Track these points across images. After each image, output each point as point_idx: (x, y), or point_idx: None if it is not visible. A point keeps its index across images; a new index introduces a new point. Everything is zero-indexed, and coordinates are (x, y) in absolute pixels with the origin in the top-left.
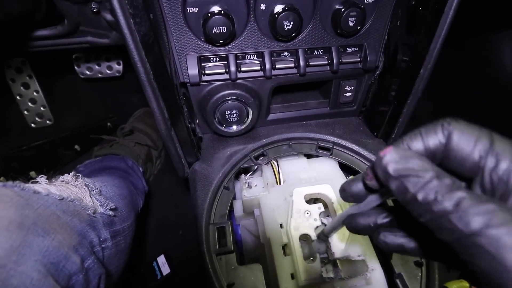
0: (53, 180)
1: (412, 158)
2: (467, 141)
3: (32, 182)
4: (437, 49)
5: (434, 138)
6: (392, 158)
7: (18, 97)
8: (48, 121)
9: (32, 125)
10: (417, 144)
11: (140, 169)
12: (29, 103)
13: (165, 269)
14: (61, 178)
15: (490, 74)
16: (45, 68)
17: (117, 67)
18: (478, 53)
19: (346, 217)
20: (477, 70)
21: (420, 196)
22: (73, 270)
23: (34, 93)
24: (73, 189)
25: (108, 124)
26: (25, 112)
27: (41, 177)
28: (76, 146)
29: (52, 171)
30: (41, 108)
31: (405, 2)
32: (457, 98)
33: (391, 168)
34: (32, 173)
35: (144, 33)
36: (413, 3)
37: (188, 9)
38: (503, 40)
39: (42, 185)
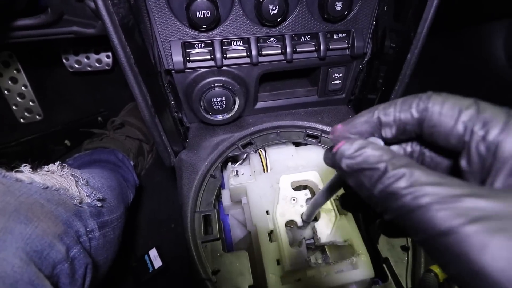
0: (38, 170)
1: (366, 148)
2: (450, 113)
3: (15, 172)
4: (423, 33)
5: (406, 112)
6: (344, 152)
7: (6, 91)
8: (37, 116)
9: (22, 120)
10: (388, 116)
11: (131, 162)
12: (18, 98)
13: (157, 262)
14: (46, 168)
15: (483, 66)
16: (33, 61)
17: (107, 60)
18: (470, 44)
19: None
20: (469, 62)
21: (376, 192)
22: (58, 258)
23: (23, 88)
24: (58, 179)
25: (99, 118)
26: (14, 107)
27: (25, 165)
28: (66, 141)
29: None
30: (30, 103)
31: None
32: (450, 91)
33: (344, 164)
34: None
35: (123, 15)
36: None
37: None
38: (495, 31)
39: (25, 173)
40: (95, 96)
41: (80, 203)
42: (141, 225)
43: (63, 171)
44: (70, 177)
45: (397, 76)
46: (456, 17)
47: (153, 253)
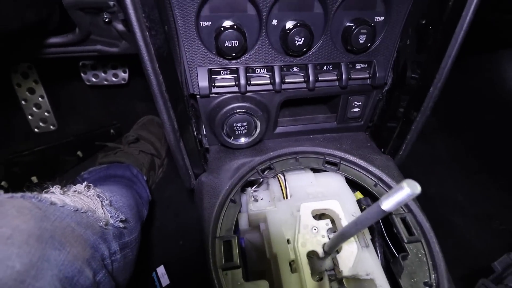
0: (65, 190)
1: None
2: None
3: (45, 192)
4: (447, 68)
5: None
6: None
7: (23, 101)
8: (51, 127)
9: (36, 130)
10: None
11: (144, 177)
12: (34, 108)
13: (165, 280)
14: (73, 188)
15: (495, 93)
16: (51, 74)
17: (123, 75)
18: (483, 71)
19: None
20: (481, 88)
21: None
22: (86, 284)
23: (39, 98)
24: (86, 200)
25: (111, 131)
26: (29, 117)
27: (56, 187)
28: (79, 152)
29: (57, 177)
30: (45, 114)
31: (415, 21)
32: (461, 116)
33: None
34: (33, 178)
35: (159, 45)
36: (423, 22)
37: (201, 22)
38: (508, 60)
39: (57, 195)
40: (109, 109)
41: (106, 225)
42: (149, 240)
43: (89, 192)
44: (96, 197)
45: (419, 108)
46: (470, 44)
47: (161, 270)
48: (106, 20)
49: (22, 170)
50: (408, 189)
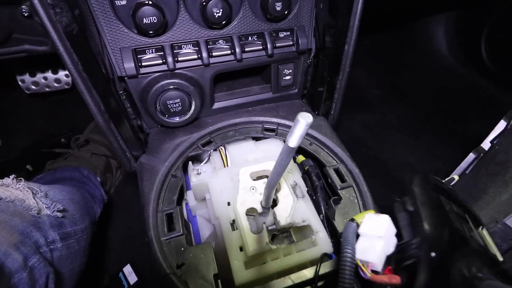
0: None
1: None
2: None
3: None
4: (356, 25)
5: None
6: None
7: None
8: None
9: None
10: None
11: (98, 178)
12: None
13: (132, 278)
14: (0, 181)
15: (427, 57)
16: None
17: (66, 79)
18: (416, 39)
19: None
20: (417, 56)
21: None
22: (15, 267)
23: None
24: (13, 191)
25: (62, 140)
26: None
27: None
28: (28, 166)
29: None
30: None
31: None
32: (404, 85)
33: None
34: None
35: (67, 23)
36: None
37: (116, 1)
38: (436, 24)
39: None
40: (56, 117)
41: (38, 213)
42: (114, 242)
43: (19, 184)
44: (27, 189)
45: (339, 67)
46: (398, 13)
47: (127, 269)
48: (26, 15)
49: None
50: (303, 121)
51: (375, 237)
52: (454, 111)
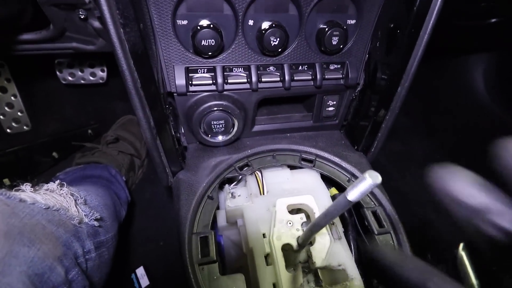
0: (37, 188)
1: None
2: None
3: (16, 190)
4: (413, 69)
5: None
6: None
7: None
8: (25, 127)
9: (8, 130)
10: None
11: (123, 178)
12: (6, 108)
13: (144, 281)
14: (45, 186)
15: (463, 95)
16: (25, 72)
17: (101, 73)
18: (453, 74)
19: None
20: (451, 91)
21: None
22: (57, 282)
23: (12, 98)
24: (58, 198)
25: (89, 131)
26: (1, 116)
27: (26, 185)
28: (54, 153)
29: (29, 178)
30: (18, 113)
31: (384, 24)
32: (434, 117)
33: None
34: (5, 181)
35: (134, 43)
36: (391, 25)
37: (178, 21)
38: (476, 63)
39: (27, 193)
40: (86, 109)
41: (79, 223)
42: (129, 242)
43: (63, 190)
44: (70, 196)
45: (388, 107)
46: (441, 47)
47: (140, 271)
48: (82, 17)
49: None
50: (370, 179)
51: None
52: (482, 151)
